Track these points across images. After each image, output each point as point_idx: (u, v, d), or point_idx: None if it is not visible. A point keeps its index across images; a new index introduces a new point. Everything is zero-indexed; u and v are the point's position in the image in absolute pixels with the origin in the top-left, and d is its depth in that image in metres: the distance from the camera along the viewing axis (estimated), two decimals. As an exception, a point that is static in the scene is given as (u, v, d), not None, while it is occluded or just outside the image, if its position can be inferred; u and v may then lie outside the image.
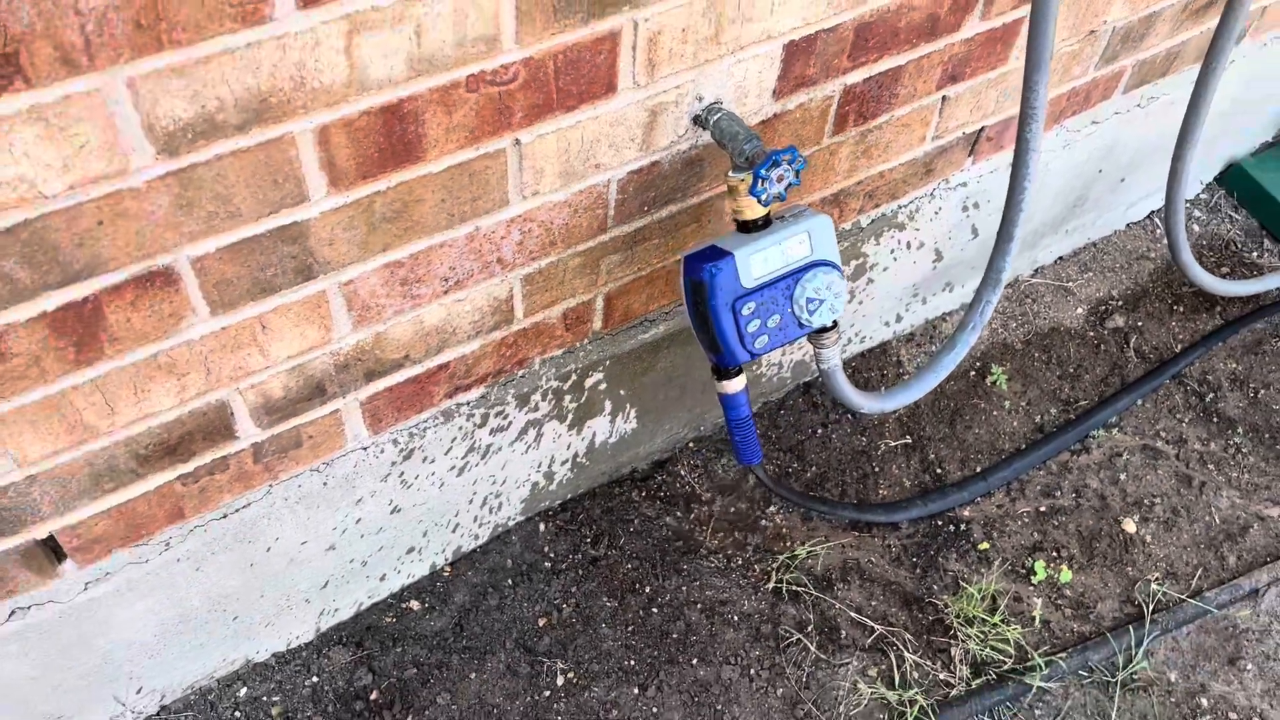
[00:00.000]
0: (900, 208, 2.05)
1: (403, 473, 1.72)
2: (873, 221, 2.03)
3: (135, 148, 1.09)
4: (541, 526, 2.04)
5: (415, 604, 1.94)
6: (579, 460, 2.01)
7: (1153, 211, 2.70)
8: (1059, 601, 2.09)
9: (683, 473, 2.16)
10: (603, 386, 1.88)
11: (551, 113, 1.38)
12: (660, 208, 1.65)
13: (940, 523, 2.17)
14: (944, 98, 1.87)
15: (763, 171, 1.45)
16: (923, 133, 1.91)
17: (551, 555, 2.02)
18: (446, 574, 1.97)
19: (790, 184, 1.49)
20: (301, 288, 1.36)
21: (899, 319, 2.35)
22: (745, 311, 1.53)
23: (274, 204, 1.24)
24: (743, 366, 1.63)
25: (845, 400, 1.75)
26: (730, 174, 1.51)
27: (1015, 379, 2.39)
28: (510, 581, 1.98)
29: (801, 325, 1.59)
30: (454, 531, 1.93)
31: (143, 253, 1.19)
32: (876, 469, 2.22)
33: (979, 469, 2.25)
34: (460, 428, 1.73)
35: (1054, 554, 2.15)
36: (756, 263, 1.53)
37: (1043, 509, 2.22)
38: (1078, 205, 2.44)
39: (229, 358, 1.37)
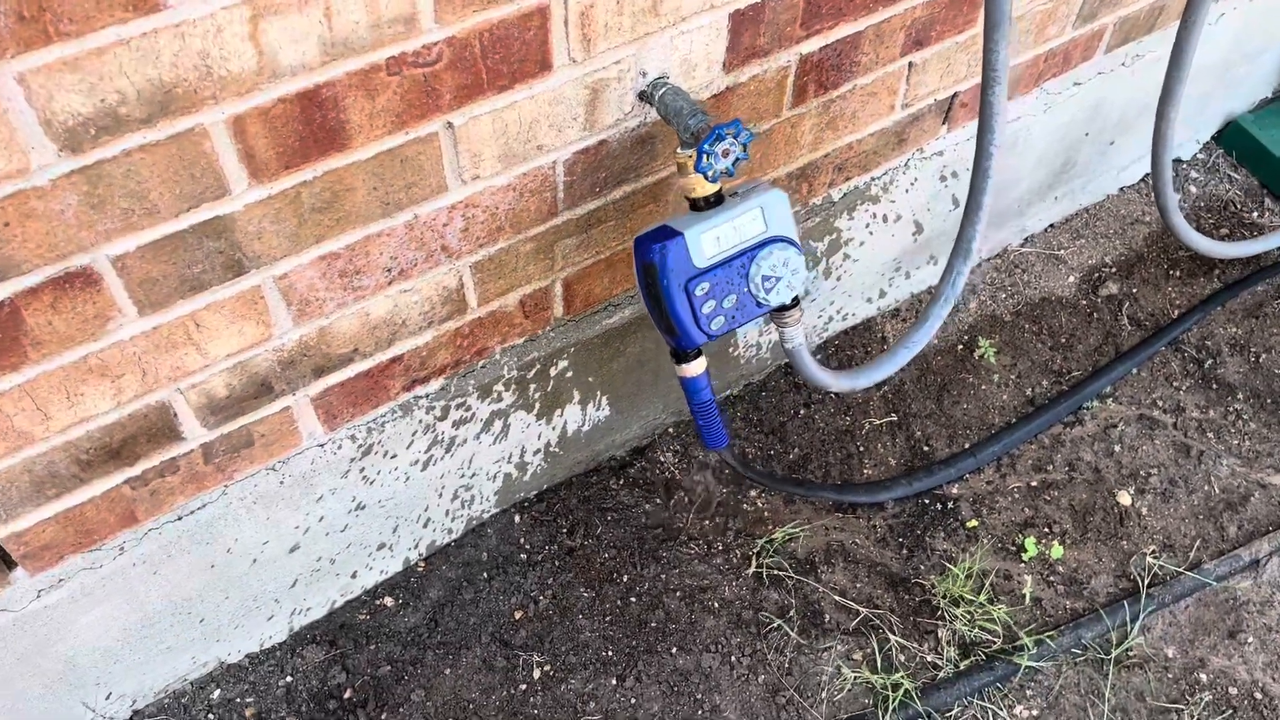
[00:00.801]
0: (873, 180, 2.00)
1: (363, 469, 1.69)
2: (844, 195, 1.98)
3: (35, 145, 1.06)
4: (517, 518, 2.01)
5: (389, 600, 1.91)
6: (552, 450, 1.97)
7: (1146, 174, 2.62)
8: (1051, 579, 2.04)
9: (661, 459, 2.13)
10: (570, 374, 1.84)
11: (483, 93, 1.34)
12: (613, 188, 1.60)
13: (927, 501, 2.12)
14: (910, 64, 1.81)
15: (706, 147, 1.40)
16: (891, 101, 1.86)
17: (527, 547, 1.98)
18: (420, 569, 1.95)
19: (738, 159, 1.44)
20: (233, 284, 1.33)
21: (882, 294, 2.29)
22: (699, 292, 1.49)
23: (193, 199, 1.21)
24: (701, 349, 1.59)
25: (813, 380, 1.70)
26: (678, 151, 1.46)
27: (1005, 351, 2.33)
28: (485, 575, 1.95)
29: (759, 304, 1.55)
30: (425, 526, 1.90)
31: (56, 253, 1.16)
32: (861, 449, 2.17)
33: (967, 445, 2.20)
34: (421, 421, 1.70)
35: (1045, 530, 2.09)
36: (708, 241, 1.48)
37: (1034, 484, 2.16)
38: (1065, 170, 2.37)
39: (165, 358, 1.34)
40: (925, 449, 2.19)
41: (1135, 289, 2.44)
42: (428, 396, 1.68)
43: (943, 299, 1.76)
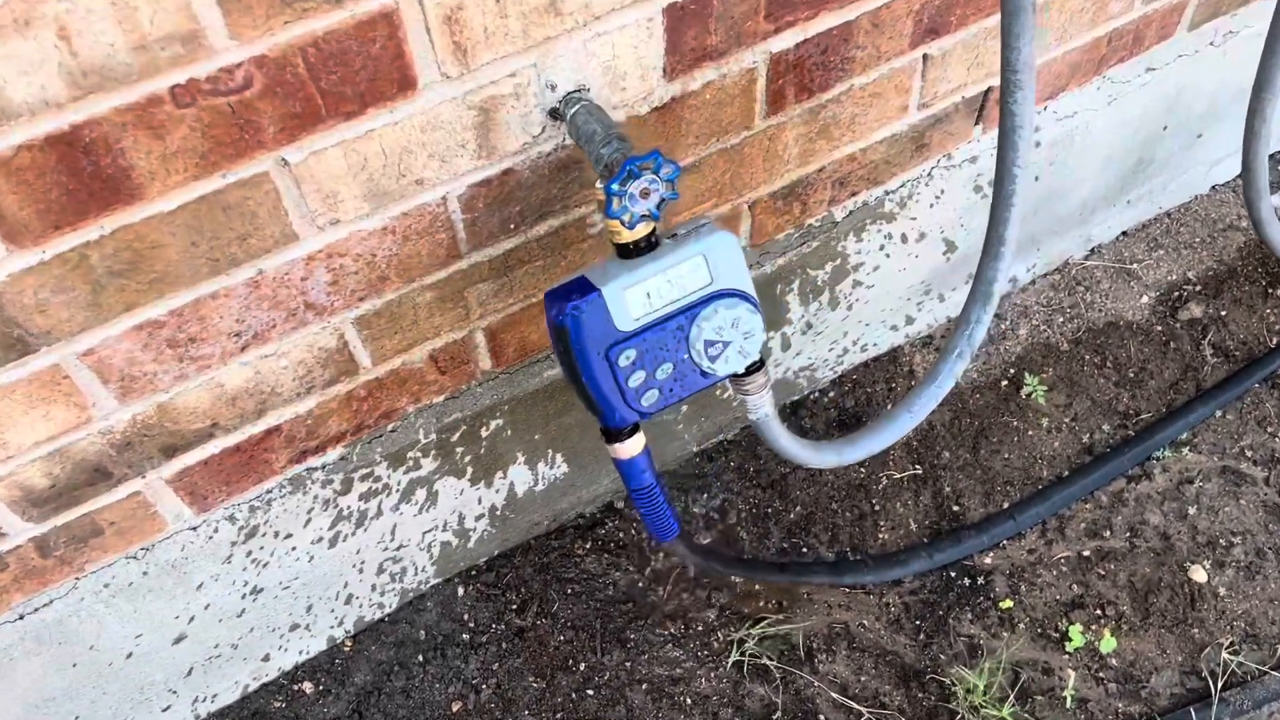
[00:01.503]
0: (887, 194, 1.65)
1: (250, 552, 1.44)
2: (850, 214, 1.63)
3: None
4: (460, 590, 1.74)
5: (308, 686, 1.66)
6: (500, 514, 1.69)
7: (1245, 169, 2.20)
8: (1101, 675, 1.69)
9: (639, 518, 1.83)
10: (508, 433, 1.55)
11: (323, 122, 1.04)
12: (533, 224, 1.30)
13: (954, 574, 1.78)
14: (925, 57, 1.46)
15: (615, 187, 1.09)
16: (902, 102, 1.50)
17: (471, 624, 1.71)
18: (347, 648, 1.69)
19: (663, 199, 1.12)
20: (22, 364, 1.07)
21: (910, 320, 1.94)
22: (623, 362, 1.18)
23: (-70, 271, 0.95)
24: (638, 426, 1.28)
25: (786, 455, 1.38)
26: (598, 184, 1.15)
27: (1058, 389, 1.96)
28: (420, 657, 1.69)
29: (704, 374, 1.23)
30: (348, 603, 1.64)
31: None
32: (877, 507, 1.84)
33: (1006, 505, 1.85)
34: (317, 496, 1.43)
35: (1097, 613, 1.74)
36: (634, 299, 1.17)
37: (1086, 553, 1.80)
38: (1140, 170, 1.98)
39: (-51, 451, 1.10)
40: (955, 509, 1.84)
41: (1224, 311, 2.03)
42: (323, 469, 1.41)
43: (955, 353, 1.42)
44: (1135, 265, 2.09)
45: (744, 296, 1.22)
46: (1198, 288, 2.06)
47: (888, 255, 1.73)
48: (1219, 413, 1.93)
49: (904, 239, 1.73)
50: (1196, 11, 1.74)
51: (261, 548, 1.44)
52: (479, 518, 1.67)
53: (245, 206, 1.07)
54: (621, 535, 1.81)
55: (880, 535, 1.82)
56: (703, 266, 1.19)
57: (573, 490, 1.76)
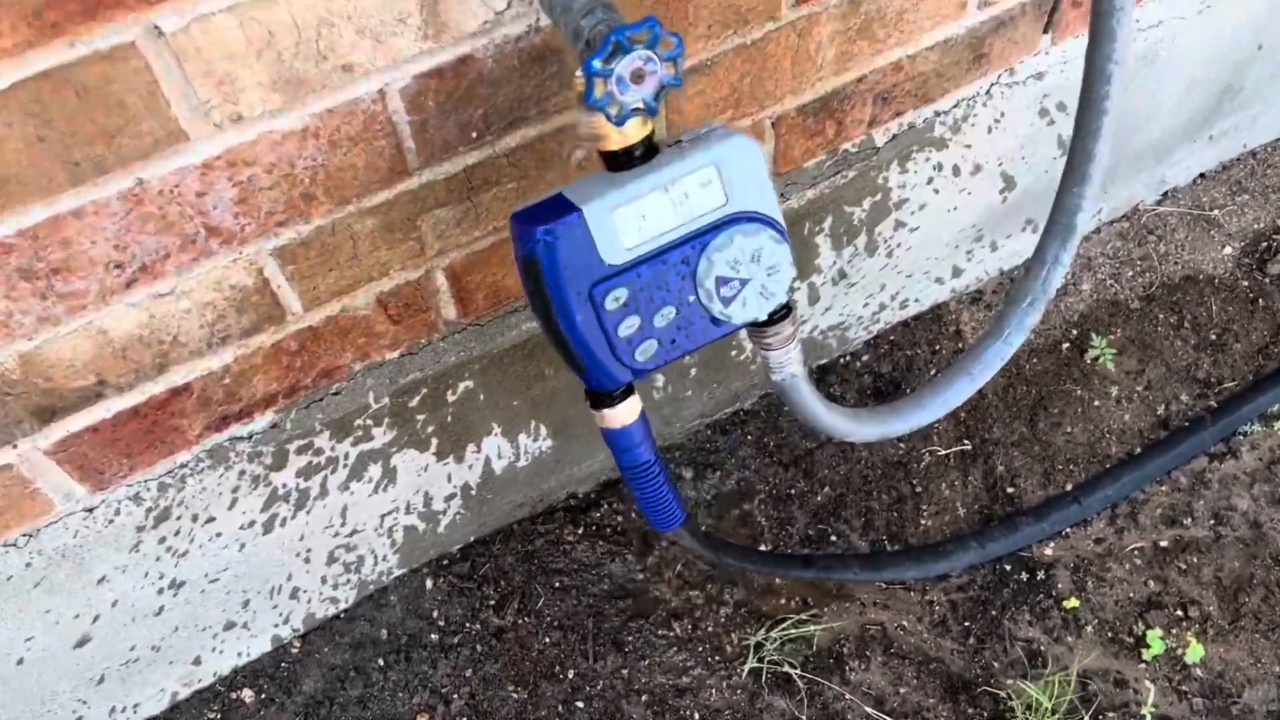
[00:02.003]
0: (938, 116, 1.37)
1: (163, 539, 1.18)
2: (894, 138, 1.36)
3: None
4: (430, 582, 1.48)
5: (248, 694, 1.42)
6: (474, 494, 1.43)
7: (1342, 103, 1.91)
8: (1184, 688, 1.43)
9: (640, 498, 1.57)
10: (480, 398, 1.29)
11: (206, -24, 0.78)
12: (501, 133, 1.03)
13: (1009, 567, 1.52)
14: (991, -63, 1.18)
15: (597, 65, 0.82)
16: (961, -4, 1.23)
17: (441, 623, 1.46)
18: (295, 651, 1.44)
19: (664, 85, 0.86)
20: None
21: (957, 272, 1.67)
22: (611, 304, 0.92)
23: None
24: (632, 387, 1.02)
25: (820, 426, 1.11)
26: (578, 74, 0.88)
27: (1128, 352, 1.68)
28: (381, 661, 1.44)
29: (716, 321, 0.97)
30: (294, 598, 1.39)
31: None
32: (918, 488, 1.58)
33: (1069, 486, 1.58)
34: (244, 472, 1.18)
35: (1178, 615, 1.48)
36: (626, 223, 0.90)
37: (1163, 544, 1.54)
38: (1226, 99, 1.69)
39: None
40: (1009, 491, 1.58)
41: (1321, 264, 1.76)
42: (250, 439, 1.16)
43: (1026, 300, 1.15)
44: (1216, 212, 1.81)
45: (767, 221, 0.95)
46: (1289, 237, 1.79)
47: (936, 191, 1.46)
48: (1317, 381, 1.65)
49: (955, 171, 1.45)
50: (1308, -99, 1.45)
51: (178, 533, 1.19)
52: (449, 498, 1.41)
53: (109, 91, 0.81)
54: (619, 519, 1.55)
55: (922, 522, 1.55)
56: (715, 181, 0.92)
57: (561, 466, 1.50)
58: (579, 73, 0.87)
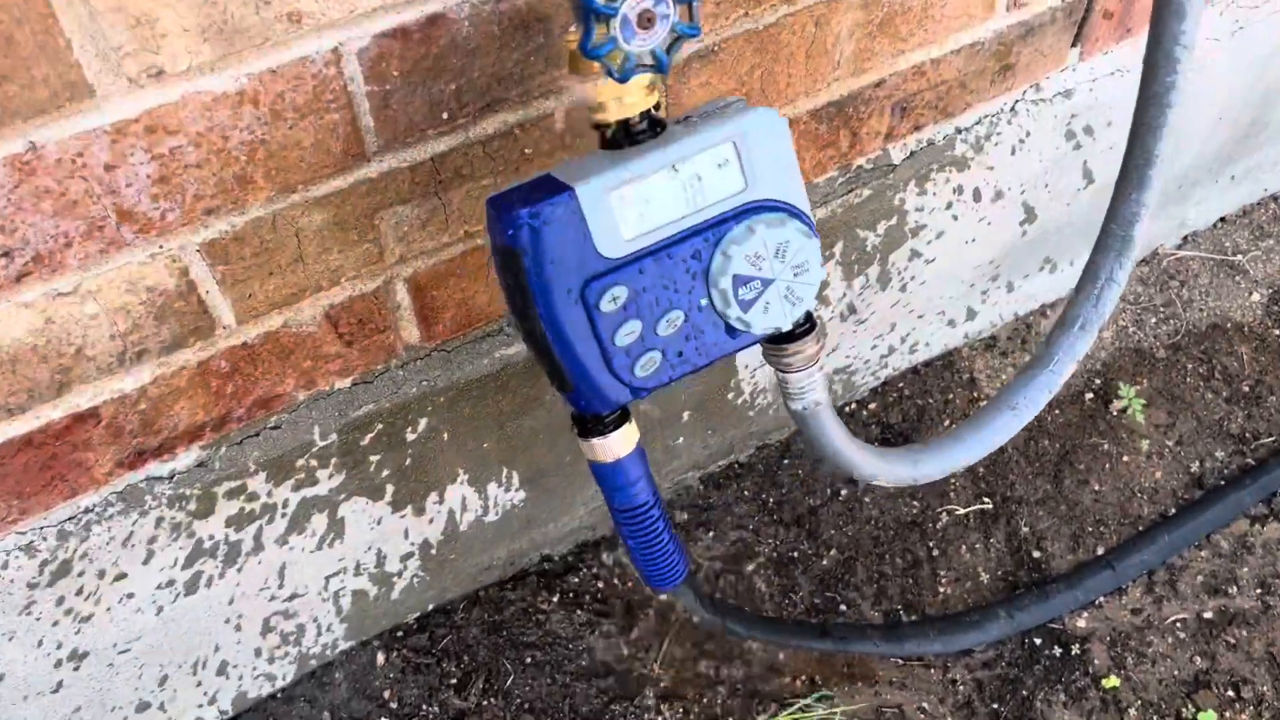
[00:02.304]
0: (959, 133, 1.24)
1: (62, 599, 0.99)
2: (912, 155, 1.23)
3: None
4: (380, 657, 1.29)
5: (164, 790, 1.21)
6: (435, 553, 1.25)
7: (1362, 148, 1.81)
8: (1243, 781, 1.25)
9: (623, 559, 1.39)
10: (444, 438, 1.12)
11: (116, -124, 0.63)
12: (477, 115, 0.88)
13: (1039, 640, 1.35)
14: (1025, -76, 1.06)
15: (599, 4, 0.67)
16: (990, -7, 1.11)
17: (394, 705, 1.26)
18: (222, 737, 1.24)
19: (680, 35, 0.71)
20: None
21: (971, 315, 1.53)
22: (608, 305, 0.76)
23: None
24: (628, 411, 0.85)
25: (845, 464, 0.95)
26: (571, 30, 0.74)
27: (1157, 405, 1.54)
28: (323, 750, 1.24)
29: (732, 330, 0.81)
30: (222, 674, 1.19)
31: None
32: (935, 551, 1.41)
33: (1101, 550, 1.42)
34: (163, 520, 0.99)
35: (1229, 694, 1.31)
36: (627, 207, 0.75)
37: (1208, 615, 1.38)
38: (1251, 135, 1.59)
39: None
40: (1035, 554, 1.42)
41: (1355, 313, 1.63)
42: (171, 479, 0.98)
43: (1077, 324, 1.00)
44: (1239, 257, 1.69)
45: (794, 212, 0.80)
46: (1320, 284, 1.66)
47: (955, 217, 1.32)
48: (1360, 437, 1.52)
49: (976, 196, 1.32)
50: (1343, -82, 1.36)
51: (80, 593, 1.00)
52: (406, 557, 1.23)
53: (-12, 19, 0.65)
54: (601, 585, 1.37)
55: (941, 589, 1.38)
56: (732, 162, 0.78)
57: (535, 523, 1.32)
58: (572, 29, 0.73)
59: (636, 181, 0.75)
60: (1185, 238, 1.70)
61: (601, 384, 0.79)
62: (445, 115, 0.87)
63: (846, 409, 1.50)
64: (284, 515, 1.07)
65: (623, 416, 0.85)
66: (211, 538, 1.04)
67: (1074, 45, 1.26)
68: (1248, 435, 1.53)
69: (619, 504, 0.88)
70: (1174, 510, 1.46)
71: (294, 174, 0.83)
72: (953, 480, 1.46)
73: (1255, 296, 1.65)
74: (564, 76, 0.89)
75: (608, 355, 0.78)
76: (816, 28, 1.02)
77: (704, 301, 0.79)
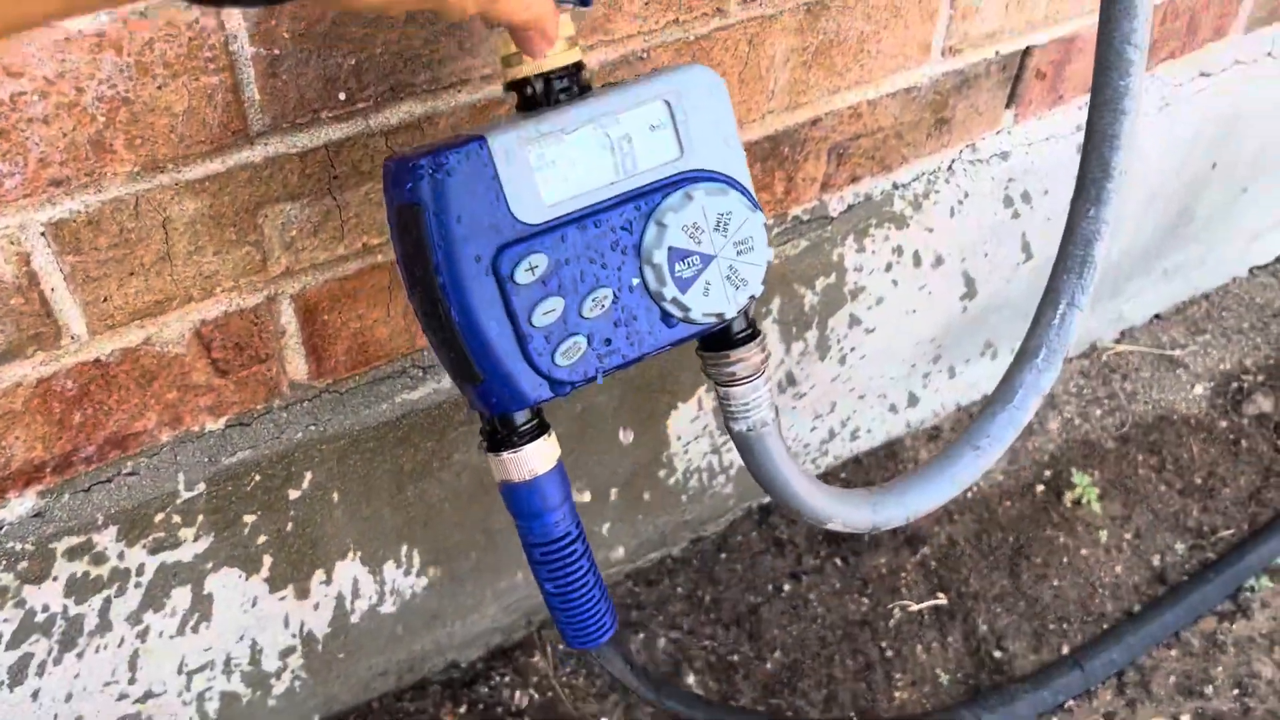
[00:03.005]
0: (896, 189, 1.19)
1: None
2: (850, 209, 1.16)
3: None
4: (253, 778, 1.09)
5: None
6: (321, 649, 1.08)
7: (1284, 252, 1.82)
8: None
9: (539, 666, 1.23)
10: (334, 498, 0.97)
11: None
12: (380, 101, 0.79)
13: (1008, 749, 1.20)
14: (958, -38, 1.04)
15: (516, -105, 0.59)
16: (926, 33, 1.07)
17: (266, 836, 1.06)
18: None
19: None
20: None
21: (913, 400, 1.45)
22: (524, 275, 0.65)
23: None
24: (540, 414, 0.73)
25: (789, 499, 0.83)
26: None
27: (1111, 496, 1.46)
28: None
29: (669, 319, 0.70)
30: (53, 797, 0.99)
31: None
32: (889, 651, 1.27)
33: (1067, 649, 1.30)
34: (-17, 581, 0.82)
35: (1223, 805, 1.17)
36: (548, 166, 0.65)
37: (1184, 717, 1.25)
38: (1180, 224, 1.57)
39: None
40: (997, 654, 1.29)
41: (1298, 406, 1.59)
42: (0, 529, 0.82)
43: (1039, 353, 0.91)
44: (1178, 351, 1.65)
45: (735, 184, 0.71)
46: (1260, 378, 1.62)
47: (895, 282, 1.25)
48: (1320, 530, 1.44)
49: (916, 260, 1.25)
50: (1256, 4, 1.38)
51: None
52: (286, 653, 1.05)
53: None
54: (515, 697, 1.20)
55: (897, 694, 1.24)
56: (666, 126, 0.69)
57: (440, 619, 1.16)
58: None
59: (556, 138, 0.65)
60: (1122, 333, 1.66)
61: (515, 373, 0.67)
62: (342, 96, 0.77)
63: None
64: (138, 585, 0.90)
65: (540, 426, 0.72)
66: (46, 609, 0.86)
67: (1008, 106, 1.23)
68: (1205, 529, 1.44)
69: (535, 537, 0.74)
70: (1138, 606, 1.35)
71: (162, 147, 0.72)
72: (904, 573, 1.34)
73: (1198, 389, 1.60)
74: (480, 86, 0.81)
75: (523, 337, 0.66)
76: (750, 48, 0.96)
77: (636, 281, 0.69)
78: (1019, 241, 1.34)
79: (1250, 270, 1.78)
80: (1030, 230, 1.34)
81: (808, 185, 1.11)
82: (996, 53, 1.15)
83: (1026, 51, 1.18)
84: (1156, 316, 1.70)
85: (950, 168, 1.22)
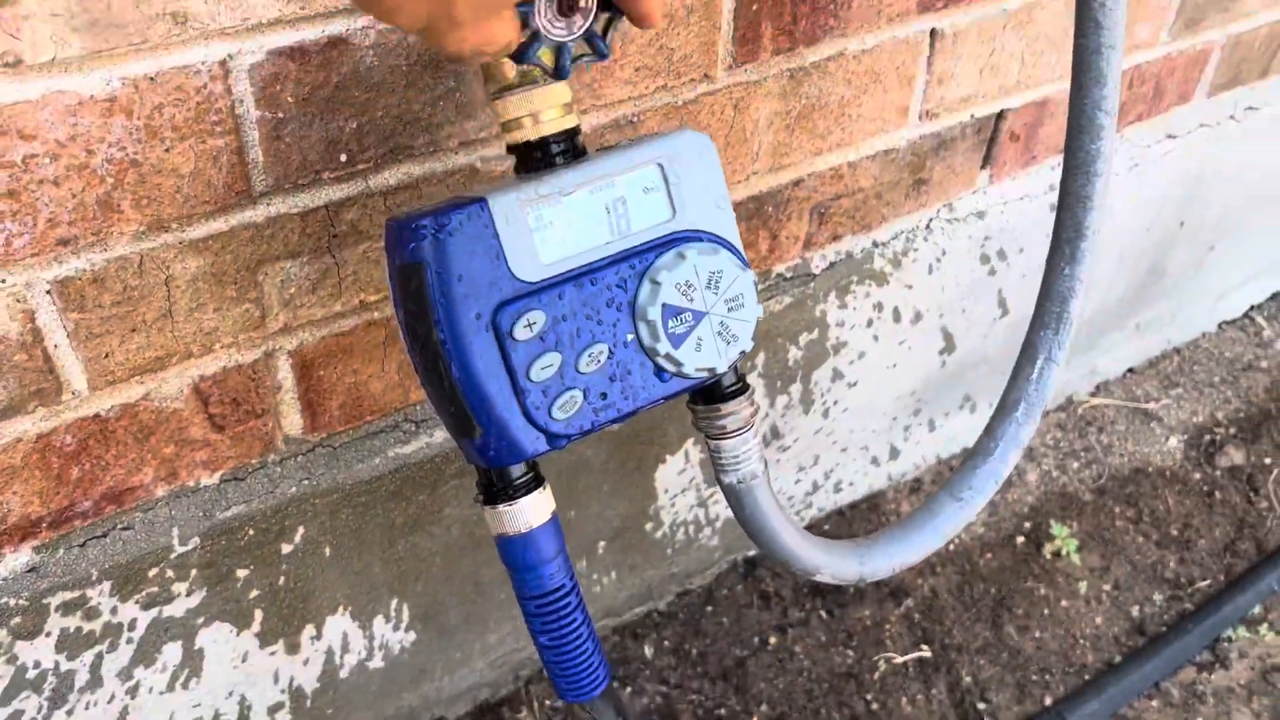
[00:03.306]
0: (876, 247, 1.22)
1: None
2: (831, 266, 1.19)
3: None
4: (239, 837, 1.08)
5: None
6: (309, 706, 1.08)
7: (1252, 308, 1.87)
8: None
9: (533, 710, 1.23)
10: (326, 553, 0.98)
11: None
12: (380, 162, 0.81)
13: (994, 801, 1.21)
14: (933, 31, 1.08)
15: (518, -27, 0.62)
16: (904, 97, 1.11)
17: None
18: None
19: (612, 18, 0.66)
20: None
21: (894, 454, 1.47)
22: (522, 332, 0.67)
23: None
24: (536, 468, 0.75)
25: (778, 550, 0.85)
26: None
27: (1089, 547, 1.48)
28: None
29: (662, 374, 0.72)
30: None
31: None
32: (875, 704, 1.28)
33: (1049, 700, 1.32)
34: (-24, 637, 0.83)
35: None
36: (546, 227, 0.68)
37: (1170, 769, 1.26)
38: (1150, 282, 1.61)
39: None
40: (981, 705, 1.30)
41: (1270, 458, 1.62)
42: (-9, 584, 0.82)
43: (1019, 407, 0.94)
44: (1152, 404, 1.68)
45: (725, 244, 0.74)
46: (1232, 431, 1.66)
47: (876, 337, 1.28)
48: (1295, 580, 1.47)
49: (896, 316, 1.28)
50: (1218, 69, 1.43)
51: None
52: (275, 709, 1.05)
53: None
54: (503, 751, 1.20)
55: (883, 746, 1.25)
56: (659, 189, 0.72)
57: (428, 674, 1.16)
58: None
59: (554, 200, 0.68)
60: (1098, 386, 1.70)
61: (514, 426, 0.69)
62: (344, 157, 0.79)
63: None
64: (130, 641, 0.90)
65: (536, 479, 0.74)
66: (37, 665, 0.86)
67: (984, 167, 1.26)
68: (1183, 580, 1.46)
69: (530, 588, 0.75)
70: (1119, 657, 1.37)
71: (168, 207, 0.74)
72: (888, 625, 1.35)
73: (1172, 442, 1.63)
74: (476, 148, 0.84)
75: (521, 392, 0.68)
76: (736, 112, 0.99)
77: (630, 337, 0.71)
78: (995, 298, 1.38)
79: (1219, 325, 1.83)
80: (1006, 287, 1.38)
81: (791, 243, 1.14)
82: (972, 116, 1.19)
83: (1000, 115, 1.22)
84: (1130, 370, 1.73)
85: (928, 226, 1.25)
